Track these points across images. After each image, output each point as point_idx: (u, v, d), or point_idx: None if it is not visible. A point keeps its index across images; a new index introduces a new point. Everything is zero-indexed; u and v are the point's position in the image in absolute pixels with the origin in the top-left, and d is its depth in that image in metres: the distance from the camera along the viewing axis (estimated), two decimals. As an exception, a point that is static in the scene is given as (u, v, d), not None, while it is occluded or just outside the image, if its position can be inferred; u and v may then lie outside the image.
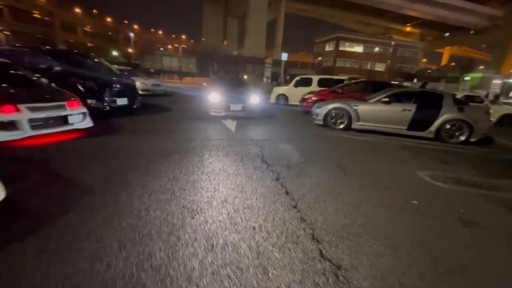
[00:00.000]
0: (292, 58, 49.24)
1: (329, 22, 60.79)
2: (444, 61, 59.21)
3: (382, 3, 47.26)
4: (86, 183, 2.58)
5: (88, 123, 4.30)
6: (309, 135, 5.93)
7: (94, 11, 55.98)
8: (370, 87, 8.53)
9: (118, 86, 6.07)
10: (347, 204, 2.55)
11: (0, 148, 3.33)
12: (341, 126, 6.57)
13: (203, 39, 56.98)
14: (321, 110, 6.74)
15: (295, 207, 2.42)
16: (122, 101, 6.11)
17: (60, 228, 1.85)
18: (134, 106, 6.58)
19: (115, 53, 33.29)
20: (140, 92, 10.14)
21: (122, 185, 2.60)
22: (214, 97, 6.87)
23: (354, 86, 9.15)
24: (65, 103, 3.97)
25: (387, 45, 47.64)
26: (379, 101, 6.26)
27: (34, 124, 3.53)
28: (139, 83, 10.53)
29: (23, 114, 3.43)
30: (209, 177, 2.96)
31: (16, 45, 6.46)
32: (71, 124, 4.00)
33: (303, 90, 11.08)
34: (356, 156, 4.36)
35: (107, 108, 5.76)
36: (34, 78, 4.50)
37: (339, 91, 8.71)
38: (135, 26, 61.70)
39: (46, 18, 55.03)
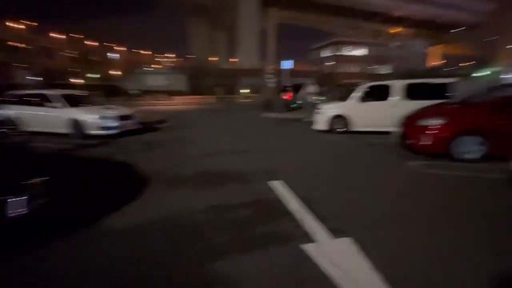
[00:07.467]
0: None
1: (320, 30, 57.81)
2: (435, 60, 55.90)
3: (369, 4, 44.76)
4: None
5: None
6: None
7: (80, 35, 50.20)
8: None
9: None
10: None
11: None
12: None
13: (193, 56, 53.17)
14: None
15: None
16: None
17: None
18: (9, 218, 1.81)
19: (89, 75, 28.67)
20: (92, 132, 5.66)
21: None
22: None
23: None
24: None
25: (384, 46, 45.62)
26: None
27: None
28: (90, 118, 6.03)
29: None
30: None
31: None
32: None
33: (376, 107, 6.69)
34: None
35: None
36: None
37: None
38: (121, 48, 56.86)
39: None
